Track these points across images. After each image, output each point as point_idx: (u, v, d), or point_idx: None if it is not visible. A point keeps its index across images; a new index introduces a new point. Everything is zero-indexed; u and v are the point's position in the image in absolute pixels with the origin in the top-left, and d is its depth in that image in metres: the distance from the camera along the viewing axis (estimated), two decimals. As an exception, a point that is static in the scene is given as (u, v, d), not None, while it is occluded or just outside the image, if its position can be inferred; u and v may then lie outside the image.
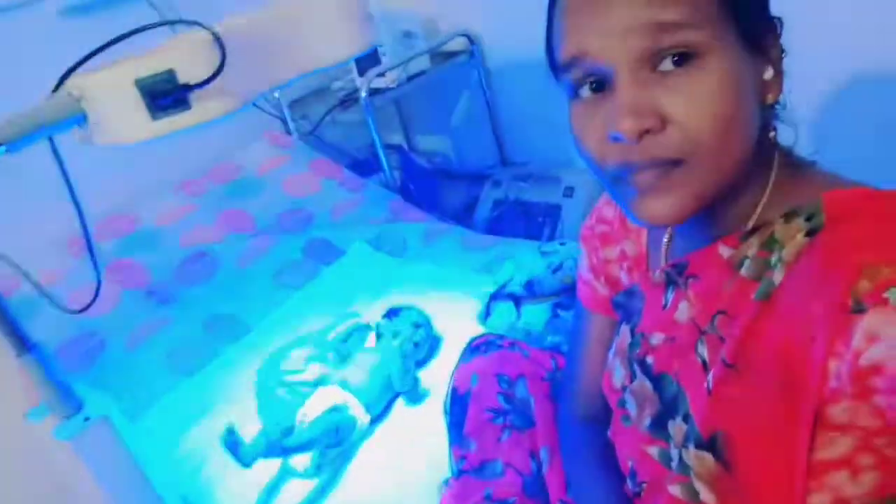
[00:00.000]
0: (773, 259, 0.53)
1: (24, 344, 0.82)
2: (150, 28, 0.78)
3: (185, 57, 0.77)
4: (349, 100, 1.99)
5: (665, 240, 0.67)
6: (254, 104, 1.97)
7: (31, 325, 1.42)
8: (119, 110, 0.78)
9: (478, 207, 2.03)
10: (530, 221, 1.91)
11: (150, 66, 0.76)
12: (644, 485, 0.64)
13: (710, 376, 0.56)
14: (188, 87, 0.77)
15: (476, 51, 1.96)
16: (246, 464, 1.04)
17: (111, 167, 1.66)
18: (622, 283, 0.73)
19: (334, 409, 1.08)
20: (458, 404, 0.93)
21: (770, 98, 0.54)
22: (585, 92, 0.54)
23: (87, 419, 0.84)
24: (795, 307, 0.50)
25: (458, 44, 1.98)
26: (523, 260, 1.21)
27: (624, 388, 0.67)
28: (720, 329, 0.56)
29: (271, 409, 1.15)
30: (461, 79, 2.07)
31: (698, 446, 0.56)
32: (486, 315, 1.20)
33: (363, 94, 1.75)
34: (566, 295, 1.15)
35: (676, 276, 0.61)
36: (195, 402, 1.30)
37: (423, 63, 1.95)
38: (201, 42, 0.77)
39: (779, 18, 0.55)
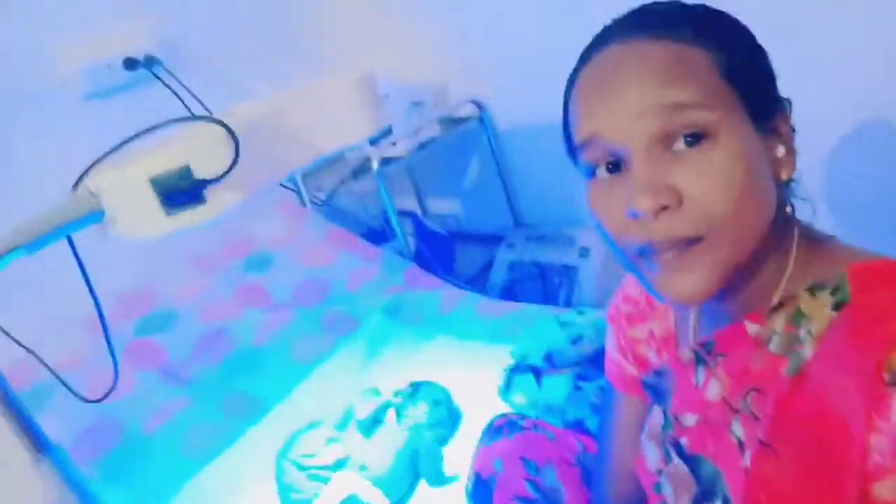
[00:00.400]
0: (802, 333, 0.53)
1: (41, 446, 0.81)
2: (164, 126, 0.79)
3: (200, 152, 0.78)
4: (361, 169, 2.02)
5: (692, 318, 0.66)
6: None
7: (51, 410, 1.44)
8: (134, 207, 0.78)
9: (493, 270, 2.03)
10: (547, 283, 1.90)
11: (165, 163, 0.77)
12: None
13: (746, 456, 0.55)
14: (203, 183, 0.78)
15: (485, 116, 1.99)
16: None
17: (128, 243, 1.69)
18: (651, 362, 0.72)
19: (349, 500, 1.05)
20: (481, 489, 0.90)
21: (784, 175, 0.55)
22: (602, 172, 0.55)
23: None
24: (828, 381, 0.49)
25: (466, 110, 2.01)
26: (542, 331, 1.19)
27: (659, 472, 0.66)
28: (753, 407, 0.55)
29: (288, 501, 1.12)
30: (471, 143, 2.09)
31: None
32: (506, 389, 1.18)
33: (375, 164, 1.77)
34: (587, 366, 1.13)
35: (705, 354, 0.61)
36: (212, 492, 1.27)
37: (433, 130, 1.97)
38: (215, 136, 0.79)
39: (787, 99, 0.56)
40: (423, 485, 1.16)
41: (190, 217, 0.79)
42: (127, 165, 0.78)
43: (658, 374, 0.69)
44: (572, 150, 0.58)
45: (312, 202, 2.11)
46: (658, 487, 0.66)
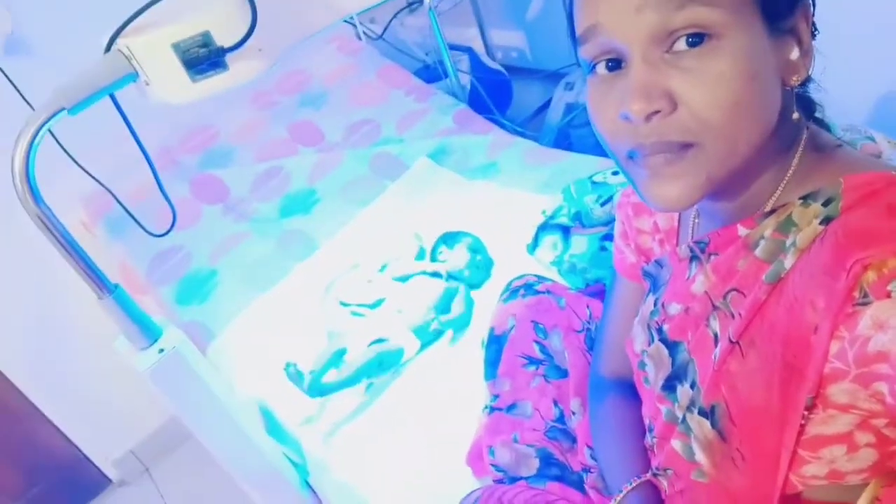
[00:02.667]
0: (788, 242, 0.53)
1: (103, 287, 0.91)
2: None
3: (218, 18, 0.78)
4: (413, 3, 1.93)
5: (692, 216, 0.67)
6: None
7: (125, 238, 1.58)
8: (162, 73, 0.81)
9: (549, 111, 1.98)
10: (602, 129, 1.84)
11: (186, 30, 0.78)
12: (655, 439, 0.69)
13: (717, 350, 0.58)
14: (223, 50, 0.79)
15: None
16: (309, 394, 1.16)
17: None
18: (654, 253, 0.74)
19: (378, 342, 1.16)
20: (494, 343, 0.98)
21: (794, 80, 0.52)
22: (601, 69, 0.53)
23: (161, 351, 0.95)
24: (802, 294, 0.51)
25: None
26: (575, 190, 1.19)
27: (643, 352, 0.70)
28: (732, 305, 0.57)
29: (330, 336, 1.24)
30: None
31: (700, 413, 0.60)
32: (534, 245, 1.22)
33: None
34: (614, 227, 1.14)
35: (699, 252, 0.62)
36: (266, 319, 1.41)
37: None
38: (233, 2, 0.78)
39: None
40: (450, 332, 1.25)
41: (215, 83, 0.81)
42: (150, 31, 0.80)
43: (658, 263, 0.70)
44: (574, 42, 0.56)
45: (367, 35, 2.06)
46: (642, 365, 0.70)
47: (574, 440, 0.86)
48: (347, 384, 1.16)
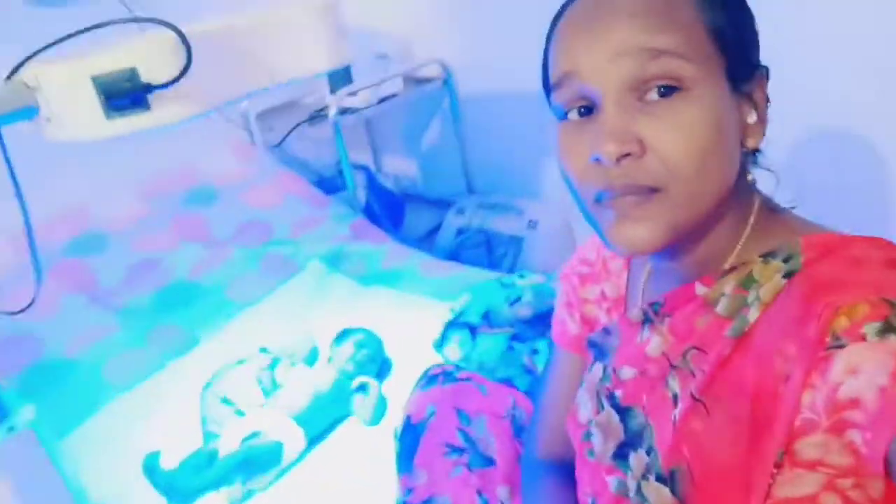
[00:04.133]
0: (750, 297, 0.53)
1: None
2: (116, 23, 0.75)
3: (149, 56, 0.74)
4: (318, 116, 1.98)
5: (643, 280, 0.67)
6: (219, 113, 1.94)
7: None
8: (73, 106, 0.75)
9: (440, 233, 2.03)
10: (492, 251, 1.91)
11: (111, 63, 0.74)
12: None
13: (677, 410, 0.56)
14: (148, 88, 0.75)
15: (449, 78, 1.97)
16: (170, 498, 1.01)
17: (66, 161, 1.61)
18: (600, 322, 0.72)
19: (253, 436, 1.05)
20: (410, 433, 0.91)
21: (751, 143, 0.55)
22: (573, 115, 0.54)
23: (11, 429, 0.80)
24: (770, 345, 0.50)
25: (431, 70, 1.98)
26: (482, 290, 1.20)
27: (590, 422, 0.66)
28: (692, 364, 0.56)
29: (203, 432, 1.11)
30: (433, 105, 2.07)
31: (658, 479, 0.56)
32: (441, 342, 1.19)
33: (333, 111, 1.73)
34: (522, 327, 1.14)
35: (653, 314, 0.62)
36: (130, 417, 1.25)
37: (395, 86, 1.94)
38: (168, 42, 0.75)
39: (766, 67, 0.56)
40: (345, 425, 1.16)
41: (132, 123, 0.76)
42: (69, 60, 0.74)
43: (605, 331, 0.69)
44: (547, 89, 0.57)
45: (264, 144, 2.06)
46: (587, 436, 0.66)
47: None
48: (215, 485, 1.01)
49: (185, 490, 1.02)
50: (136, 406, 1.27)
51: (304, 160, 2.13)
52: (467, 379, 0.94)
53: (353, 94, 1.82)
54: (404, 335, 1.32)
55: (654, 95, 0.50)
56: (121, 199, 1.77)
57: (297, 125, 1.98)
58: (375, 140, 2.33)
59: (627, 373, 0.63)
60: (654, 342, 0.60)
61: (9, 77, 0.77)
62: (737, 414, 0.52)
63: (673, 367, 0.58)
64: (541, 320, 1.14)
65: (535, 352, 1.11)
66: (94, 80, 0.74)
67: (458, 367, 0.98)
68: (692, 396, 0.54)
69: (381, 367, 1.27)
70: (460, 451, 0.86)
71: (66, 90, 0.75)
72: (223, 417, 1.14)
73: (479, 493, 0.83)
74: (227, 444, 1.07)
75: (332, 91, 1.79)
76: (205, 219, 1.76)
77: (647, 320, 0.62)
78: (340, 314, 1.43)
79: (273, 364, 1.25)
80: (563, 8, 0.57)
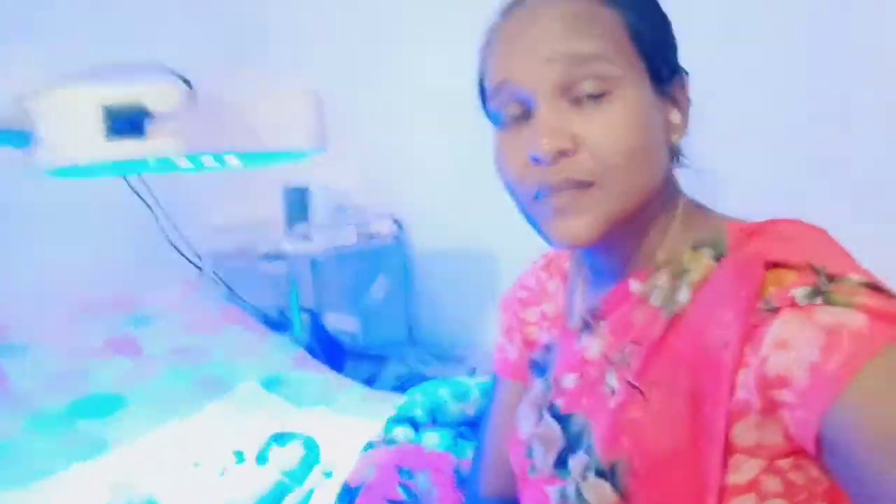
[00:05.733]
0: (682, 284, 0.56)
1: None
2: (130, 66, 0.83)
3: (155, 93, 0.82)
4: (270, 257, 2.04)
5: (579, 292, 0.69)
6: (173, 247, 1.98)
7: None
8: (75, 129, 0.80)
9: (379, 379, 2.01)
10: (431, 398, 1.89)
11: (121, 95, 0.81)
12: None
13: (613, 400, 0.56)
14: (148, 116, 0.81)
15: (402, 234, 2.10)
16: None
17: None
18: (541, 343, 0.73)
19: None
20: (346, 496, 0.85)
21: (676, 138, 0.60)
22: (509, 121, 0.59)
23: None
24: (705, 318, 0.53)
25: (385, 226, 2.12)
26: (427, 387, 1.19)
27: (531, 437, 0.65)
28: (629, 357, 0.57)
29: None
30: (383, 258, 2.17)
31: (597, 474, 0.55)
32: (384, 436, 1.14)
33: (289, 248, 1.80)
34: (467, 427, 1.12)
35: (591, 319, 0.64)
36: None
37: (350, 238, 2.05)
38: (175, 86, 0.83)
39: (685, 70, 0.63)
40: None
41: (128, 148, 0.81)
42: (80, 86, 0.81)
43: (546, 349, 0.70)
44: (484, 99, 0.62)
45: (215, 281, 2.08)
46: (528, 453, 0.64)
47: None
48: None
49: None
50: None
51: (250, 302, 2.14)
52: (410, 442, 0.91)
53: (307, 238, 1.91)
54: (343, 444, 1.26)
55: (583, 97, 0.55)
56: (52, 316, 1.72)
57: (250, 263, 2.03)
58: (321, 290, 2.37)
59: (569, 380, 0.64)
60: (593, 345, 0.62)
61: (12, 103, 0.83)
62: (674, 393, 0.53)
63: (611, 364, 0.59)
64: (487, 422, 1.13)
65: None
66: (104, 107, 0.80)
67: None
68: (629, 384, 0.56)
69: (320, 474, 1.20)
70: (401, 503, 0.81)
71: (71, 113, 0.80)
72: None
73: (422, 547, 0.77)
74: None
75: (290, 226, 1.88)
76: (138, 339, 1.71)
77: (585, 327, 0.64)
78: (274, 429, 1.37)
79: (197, 464, 1.17)
80: (495, 25, 0.61)
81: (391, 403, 1.48)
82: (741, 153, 1.29)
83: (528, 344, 0.75)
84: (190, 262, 2.09)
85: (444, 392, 1.16)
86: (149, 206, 1.96)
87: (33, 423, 1.36)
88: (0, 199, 1.70)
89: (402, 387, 1.90)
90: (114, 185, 1.85)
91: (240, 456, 1.24)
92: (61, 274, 1.80)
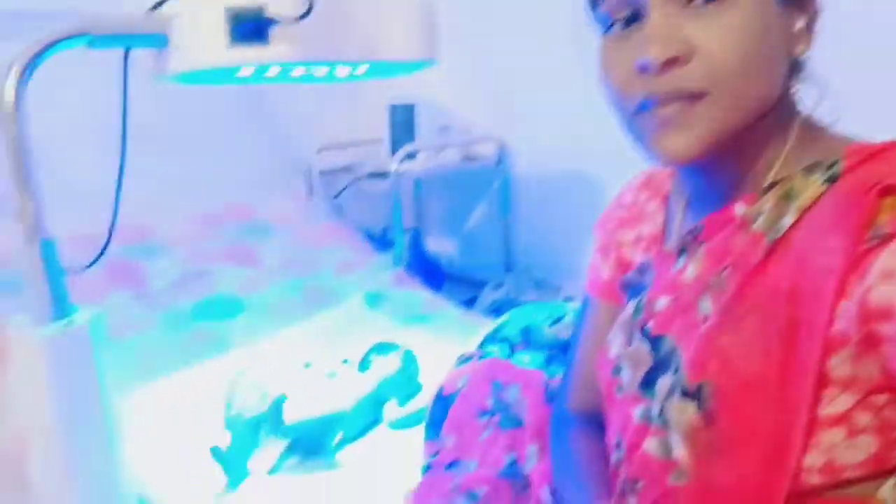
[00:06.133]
0: (790, 209, 0.53)
1: (39, 234, 0.80)
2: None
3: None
4: (374, 176, 2.09)
5: (680, 214, 0.67)
6: (285, 164, 2.07)
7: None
8: (202, 34, 0.83)
9: (476, 304, 2.05)
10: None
11: (244, 1, 0.83)
12: (623, 452, 0.62)
13: (705, 326, 0.55)
14: (270, 22, 0.83)
15: (505, 157, 2.09)
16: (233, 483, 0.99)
17: (134, 184, 1.71)
18: (636, 264, 0.72)
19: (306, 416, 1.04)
20: (441, 404, 0.90)
21: (797, 51, 0.55)
22: (618, 26, 0.55)
23: (69, 323, 0.82)
24: (810, 244, 0.50)
25: (488, 148, 2.11)
26: (523, 310, 1.21)
27: (619, 356, 0.65)
28: (725, 282, 0.55)
29: (243, 402, 1.10)
30: (486, 181, 2.17)
31: (682, 395, 0.54)
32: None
33: (395, 165, 1.83)
34: (558, 352, 1.14)
35: (690, 241, 0.61)
36: (164, 402, 1.24)
37: (453, 158, 2.07)
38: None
39: None
40: (380, 429, 1.15)
41: (251, 54, 0.84)
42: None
43: (640, 270, 0.69)
44: (593, 3, 0.57)
45: (322, 197, 2.17)
46: (616, 371, 0.65)
47: (527, 487, 0.76)
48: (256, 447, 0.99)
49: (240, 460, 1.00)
50: (164, 394, 1.27)
51: (354, 218, 2.22)
52: (504, 359, 0.94)
53: (412, 156, 1.93)
54: (438, 359, 1.31)
55: (699, 1, 0.50)
56: (182, 222, 1.86)
57: (354, 180, 2.10)
58: (422, 209, 2.42)
59: (662, 303, 0.62)
60: (689, 268, 0.60)
61: (152, 8, 0.87)
62: (769, 322, 0.51)
63: (707, 288, 0.57)
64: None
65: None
66: (226, 9, 0.83)
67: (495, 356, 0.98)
68: (722, 310, 0.54)
69: (414, 390, 1.26)
70: (491, 412, 0.85)
71: (199, 17, 0.83)
72: (251, 398, 1.12)
73: (508, 452, 0.81)
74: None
75: (395, 144, 1.91)
76: (256, 248, 1.83)
77: (683, 250, 0.62)
78: (375, 341, 1.44)
79: (307, 365, 1.25)
80: None
81: (486, 326, 1.53)
82: (870, 68, 1.18)
83: (623, 264, 0.74)
84: (299, 176, 2.18)
85: (539, 315, 1.18)
86: (266, 119, 2.06)
87: (164, 321, 1.49)
88: (133, 111, 1.82)
89: (497, 312, 1.94)
90: (234, 99, 1.95)
91: (345, 362, 1.32)
92: (187, 183, 1.94)
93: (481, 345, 1.18)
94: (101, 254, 1.03)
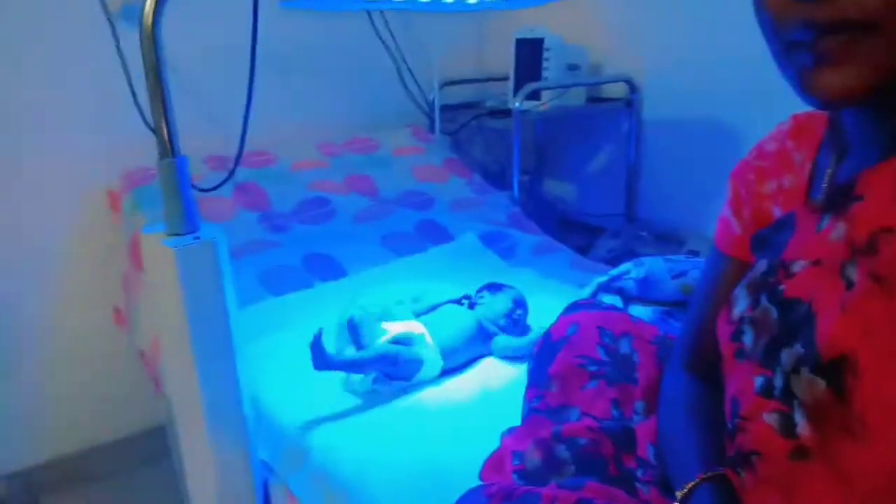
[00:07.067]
0: None
1: (172, 150, 0.85)
2: None
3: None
4: (497, 112, 2.04)
5: (832, 166, 0.60)
6: (409, 97, 2.07)
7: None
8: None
9: (591, 251, 1.99)
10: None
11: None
12: (740, 419, 0.57)
13: (849, 294, 0.49)
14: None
15: (635, 100, 1.97)
16: (316, 367, 1.03)
17: (264, 117, 1.78)
18: (773, 217, 0.66)
19: (400, 340, 1.05)
20: (548, 349, 0.87)
21: None
22: None
23: (197, 238, 0.86)
24: None
25: (618, 90, 2.00)
26: (645, 261, 1.15)
27: (742, 318, 0.59)
28: (880, 246, 0.48)
29: (350, 329, 1.13)
30: (612, 124, 2.07)
31: (813, 370, 0.49)
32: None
33: (518, 102, 1.78)
34: (680, 306, 1.08)
35: (839, 197, 0.54)
36: (278, 316, 1.31)
37: (579, 98, 1.98)
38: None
39: None
40: (486, 361, 1.14)
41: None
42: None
43: (776, 226, 0.63)
44: None
45: (442, 132, 2.15)
46: (738, 334, 0.59)
47: (632, 442, 0.73)
48: (358, 368, 1.02)
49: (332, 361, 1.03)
50: (279, 311, 1.33)
51: (474, 155, 2.20)
52: (615, 308, 0.90)
53: (535, 96, 1.86)
54: (549, 304, 1.29)
55: None
56: (306, 152, 1.92)
57: (476, 116, 2.06)
58: (543, 151, 2.35)
59: (799, 265, 0.56)
60: (836, 229, 0.53)
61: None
62: None
63: (855, 251, 0.50)
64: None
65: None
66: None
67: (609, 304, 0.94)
68: (872, 276, 0.47)
69: (524, 332, 1.25)
70: (599, 363, 0.81)
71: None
72: (370, 324, 1.15)
73: (614, 405, 0.78)
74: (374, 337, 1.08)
75: (519, 81, 1.85)
76: (375, 180, 1.85)
77: (831, 207, 0.55)
78: (487, 279, 1.43)
79: (416, 299, 1.27)
80: None
81: (599, 273, 1.48)
82: None
83: (759, 219, 0.67)
84: (421, 110, 2.17)
85: (659, 268, 1.11)
86: (389, 51, 2.05)
87: (285, 241, 1.56)
88: (264, 41, 1.88)
89: (613, 261, 1.87)
90: (358, 28, 1.96)
91: (455, 297, 1.32)
92: (310, 113, 1.99)
93: (595, 293, 1.13)
94: (229, 176, 1.09)
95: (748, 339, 0.58)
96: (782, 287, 0.56)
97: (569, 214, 2.25)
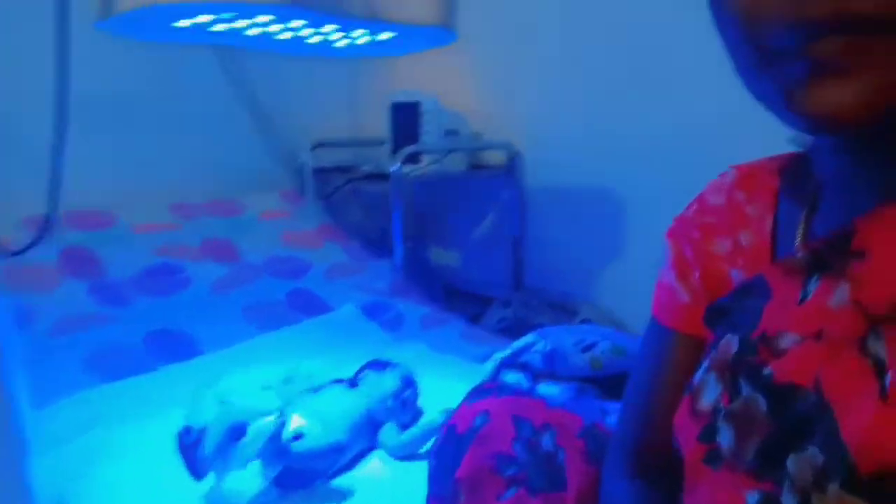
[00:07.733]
0: None
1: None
2: None
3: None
4: (373, 175, 1.91)
5: (804, 215, 0.48)
6: (277, 161, 1.91)
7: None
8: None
9: (482, 322, 1.86)
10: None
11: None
12: None
13: (887, 379, 0.37)
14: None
15: (516, 166, 1.91)
16: (199, 475, 0.80)
17: (103, 172, 1.54)
18: (731, 283, 0.53)
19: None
20: (452, 444, 0.70)
21: None
22: None
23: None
24: None
25: (499, 157, 1.93)
26: (548, 332, 1.02)
27: (716, 412, 0.46)
28: None
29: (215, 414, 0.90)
30: (494, 191, 1.99)
31: (849, 487, 0.37)
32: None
33: (396, 165, 1.65)
34: (595, 383, 0.95)
35: (829, 254, 0.43)
36: (110, 406, 1.05)
37: (460, 164, 1.89)
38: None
39: None
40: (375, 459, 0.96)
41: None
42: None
43: (741, 292, 0.50)
44: None
45: (315, 196, 1.99)
46: (709, 433, 0.46)
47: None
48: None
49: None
50: (114, 399, 1.07)
51: (350, 221, 2.04)
52: (529, 392, 0.75)
53: (414, 159, 1.75)
54: (441, 382, 1.13)
55: None
56: (157, 212, 1.67)
57: (351, 180, 1.91)
58: (425, 217, 2.23)
59: (789, 340, 0.44)
60: (838, 292, 0.42)
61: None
62: None
63: (874, 320, 0.39)
64: (616, 382, 0.95)
65: (604, 412, 0.90)
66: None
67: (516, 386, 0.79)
68: None
69: (416, 415, 1.07)
70: (518, 465, 0.65)
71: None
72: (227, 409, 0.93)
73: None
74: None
75: (396, 145, 1.74)
76: (237, 244, 1.63)
77: (815, 266, 0.44)
78: (370, 356, 1.25)
79: (287, 380, 1.06)
80: None
81: (493, 345, 1.34)
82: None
83: (712, 285, 0.55)
84: (291, 172, 2.00)
85: (568, 339, 0.98)
86: (256, 112, 1.88)
87: (128, 318, 1.30)
88: (117, 90, 1.65)
89: (505, 331, 1.75)
90: (225, 87, 1.79)
91: (333, 377, 1.13)
92: (162, 171, 1.75)
93: (497, 369, 0.98)
94: (38, 237, 0.86)
95: (725, 439, 0.44)
96: (769, 370, 0.44)
97: (454, 283, 2.13)
